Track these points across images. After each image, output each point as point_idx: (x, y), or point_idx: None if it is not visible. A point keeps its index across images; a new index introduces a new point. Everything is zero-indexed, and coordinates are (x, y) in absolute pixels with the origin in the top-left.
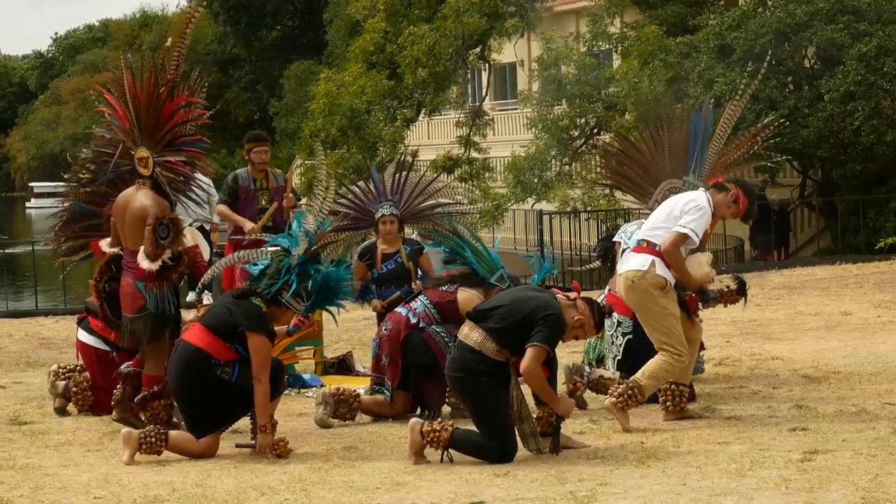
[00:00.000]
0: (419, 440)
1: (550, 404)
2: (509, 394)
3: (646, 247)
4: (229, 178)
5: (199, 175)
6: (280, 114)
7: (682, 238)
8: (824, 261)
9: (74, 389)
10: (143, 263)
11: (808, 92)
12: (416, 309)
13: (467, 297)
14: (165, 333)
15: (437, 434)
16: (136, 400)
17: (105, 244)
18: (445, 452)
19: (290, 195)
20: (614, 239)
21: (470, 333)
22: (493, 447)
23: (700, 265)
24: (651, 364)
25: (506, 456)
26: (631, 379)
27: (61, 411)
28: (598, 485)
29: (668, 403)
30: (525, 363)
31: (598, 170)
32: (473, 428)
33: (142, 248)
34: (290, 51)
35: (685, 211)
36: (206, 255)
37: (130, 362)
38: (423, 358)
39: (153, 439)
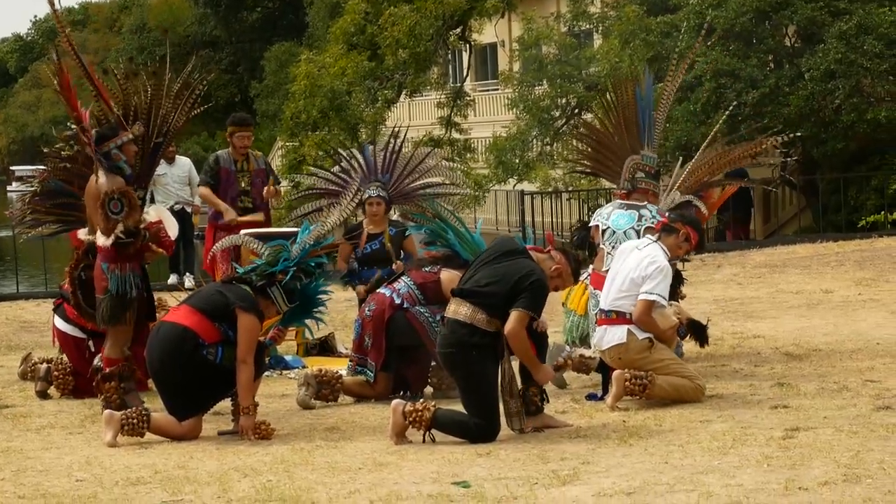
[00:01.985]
0: (401, 421)
1: (531, 368)
2: (499, 370)
3: (616, 318)
4: (210, 159)
5: (179, 157)
6: (261, 95)
7: (651, 305)
8: (805, 239)
9: (56, 373)
10: (100, 240)
11: (789, 70)
12: (399, 290)
13: (451, 277)
14: (126, 315)
15: (419, 414)
16: (94, 383)
17: (83, 233)
18: (428, 433)
19: (272, 188)
20: (591, 224)
21: (458, 309)
22: (476, 424)
23: (665, 317)
24: (678, 378)
25: (489, 434)
26: (652, 373)
27: (43, 395)
28: (580, 464)
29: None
30: (509, 326)
31: (574, 157)
32: (456, 408)
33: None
34: (271, 32)
35: (647, 276)
36: (174, 233)
37: (99, 355)
38: (407, 338)
39: (135, 421)
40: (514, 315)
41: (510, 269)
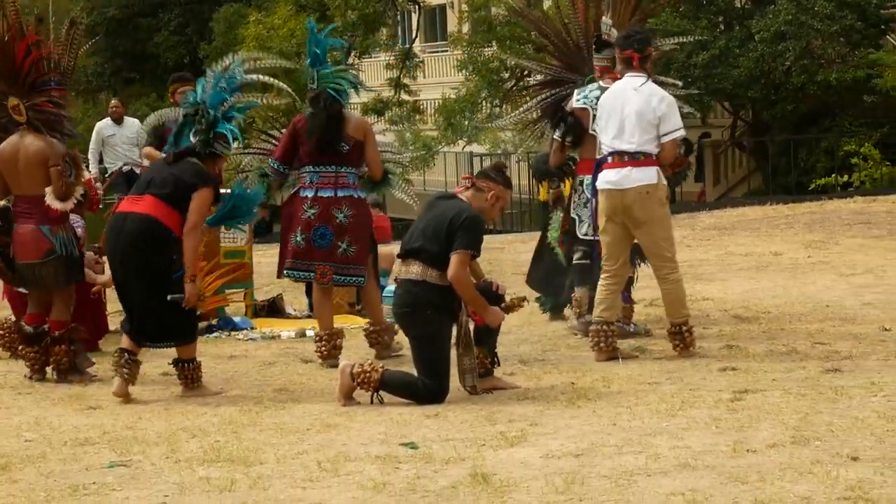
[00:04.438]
0: (349, 382)
1: (479, 311)
2: (452, 329)
3: (643, 159)
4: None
5: (128, 118)
6: (210, 57)
7: (678, 143)
8: (755, 201)
9: (0, 332)
10: (56, 204)
11: (739, 32)
12: (349, 182)
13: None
14: (75, 275)
15: (367, 375)
16: (41, 346)
17: None
18: (376, 394)
19: None
20: (577, 105)
21: (408, 268)
22: (426, 385)
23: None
24: (670, 298)
25: (438, 395)
26: (672, 324)
27: None
28: (528, 425)
29: (600, 344)
30: (451, 271)
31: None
32: (404, 369)
33: (48, 189)
34: None
35: (664, 115)
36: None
37: (28, 326)
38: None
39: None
40: (453, 259)
41: (440, 215)
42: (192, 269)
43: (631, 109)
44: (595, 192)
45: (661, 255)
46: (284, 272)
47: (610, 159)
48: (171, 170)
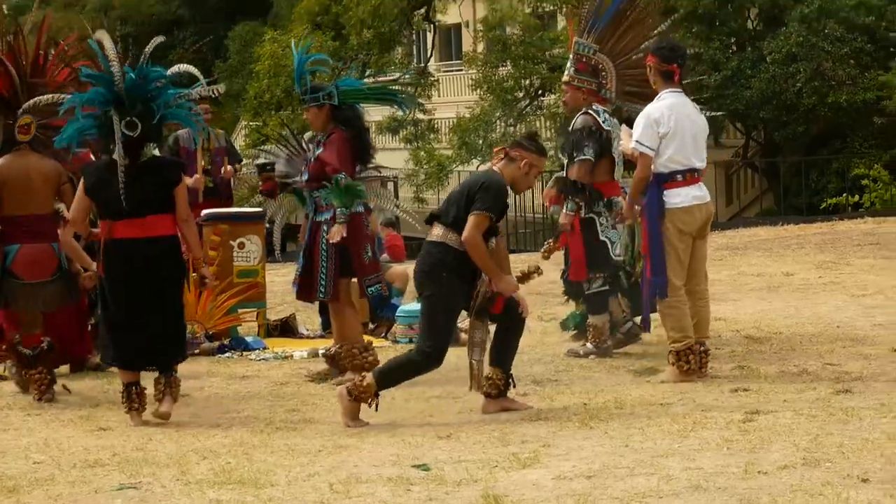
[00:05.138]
0: (349, 404)
1: (491, 278)
2: (465, 301)
3: (698, 177)
4: (170, 139)
5: None
6: (225, 75)
7: None
8: (767, 222)
9: None
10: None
11: (751, 53)
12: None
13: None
14: (76, 291)
15: (361, 387)
16: (34, 354)
17: None
18: (375, 399)
19: (229, 167)
20: (605, 128)
21: (432, 231)
22: (425, 349)
23: None
24: (703, 315)
25: (435, 359)
26: (703, 346)
27: None
28: (540, 446)
29: (706, 364)
30: (466, 232)
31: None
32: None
33: (62, 206)
34: (235, 12)
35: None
36: None
37: (27, 349)
38: None
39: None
40: (469, 220)
41: (466, 184)
42: (200, 252)
43: (698, 127)
44: (655, 211)
45: (704, 271)
46: (371, 290)
47: (680, 177)
48: (146, 179)
